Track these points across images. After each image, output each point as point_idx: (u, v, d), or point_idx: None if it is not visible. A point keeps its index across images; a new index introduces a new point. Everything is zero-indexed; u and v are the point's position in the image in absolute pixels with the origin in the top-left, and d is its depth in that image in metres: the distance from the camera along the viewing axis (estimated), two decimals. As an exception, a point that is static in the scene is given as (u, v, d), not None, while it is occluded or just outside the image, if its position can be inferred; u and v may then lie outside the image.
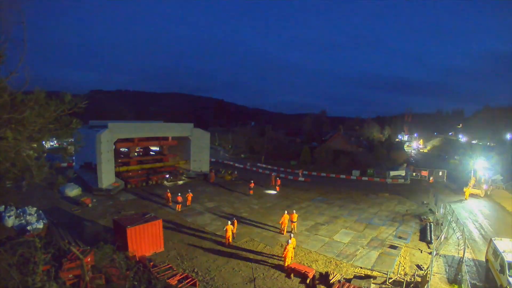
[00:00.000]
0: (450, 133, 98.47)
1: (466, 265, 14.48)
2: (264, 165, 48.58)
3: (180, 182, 32.66)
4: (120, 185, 28.00)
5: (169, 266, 13.50)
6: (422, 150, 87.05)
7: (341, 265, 14.96)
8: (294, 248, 15.56)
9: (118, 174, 29.79)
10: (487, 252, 15.28)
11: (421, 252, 16.86)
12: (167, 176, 32.76)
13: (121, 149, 33.25)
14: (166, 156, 35.86)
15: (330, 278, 13.19)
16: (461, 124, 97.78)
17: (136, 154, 34.69)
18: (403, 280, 13.34)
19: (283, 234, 18.66)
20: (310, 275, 13.29)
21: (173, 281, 11.95)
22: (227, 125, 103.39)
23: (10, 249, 10.58)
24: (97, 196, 25.35)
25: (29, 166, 5.25)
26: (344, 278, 13.38)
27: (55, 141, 45.71)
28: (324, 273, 13.92)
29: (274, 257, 15.59)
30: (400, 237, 18.97)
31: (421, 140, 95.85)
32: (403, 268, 14.88)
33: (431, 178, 39.69)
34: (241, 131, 72.29)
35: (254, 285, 12.73)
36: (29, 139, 5.21)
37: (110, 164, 27.75)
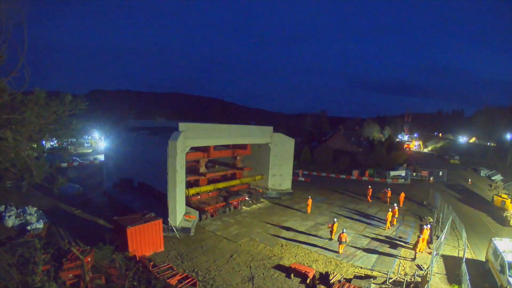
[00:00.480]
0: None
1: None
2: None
3: (259, 205, 25.41)
4: (196, 217, 19.85)
5: (169, 266, 13.50)
6: (418, 150, 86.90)
7: (341, 265, 14.96)
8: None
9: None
10: (487, 252, 15.29)
11: (422, 252, 16.85)
12: (247, 198, 24.86)
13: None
14: (240, 171, 26.86)
15: (330, 278, 13.19)
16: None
17: (206, 169, 25.10)
18: (403, 280, 13.34)
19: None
20: (310, 275, 13.30)
21: (173, 281, 11.96)
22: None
23: (10, 249, 10.59)
24: (169, 238, 17.20)
25: (29, 166, 5.25)
26: (344, 278, 13.38)
27: (55, 141, 45.70)
28: (324, 273, 13.93)
29: (273, 257, 15.60)
30: (400, 237, 18.97)
31: (420, 142, 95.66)
32: (403, 268, 14.88)
33: (431, 178, 39.72)
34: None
35: (252, 284, 12.73)
36: (29, 140, 5.21)
37: (183, 187, 19.32)
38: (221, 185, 24.62)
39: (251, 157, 27.91)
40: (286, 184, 28.63)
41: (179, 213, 18.13)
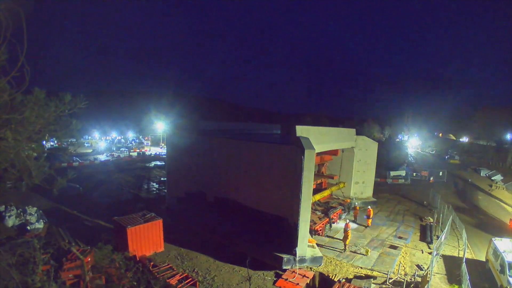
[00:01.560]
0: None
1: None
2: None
3: (348, 217, 21.97)
4: (315, 240, 16.94)
5: (169, 266, 13.50)
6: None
7: (341, 265, 14.94)
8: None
9: None
10: (487, 252, 15.28)
11: (422, 252, 16.86)
12: (343, 210, 22.30)
13: None
14: (326, 179, 24.22)
15: (330, 279, 13.19)
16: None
17: None
18: (403, 280, 13.34)
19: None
20: (310, 276, 13.29)
21: (173, 281, 11.96)
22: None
23: (10, 249, 10.60)
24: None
25: (29, 166, 5.24)
26: (344, 278, 13.38)
27: (55, 141, 45.69)
28: (324, 273, 13.91)
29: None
30: (400, 237, 18.96)
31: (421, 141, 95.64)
32: (403, 268, 14.87)
33: (431, 178, 39.71)
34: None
35: (250, 283, 12.73)
36: (29, 140, 5.20)
37: (309, 206, 14.91)
38: (318, 196, 20.98)
39: (331, 163, 25.45)
40: (368, 192, 26.36)
41: (306, 240, 14.65)
